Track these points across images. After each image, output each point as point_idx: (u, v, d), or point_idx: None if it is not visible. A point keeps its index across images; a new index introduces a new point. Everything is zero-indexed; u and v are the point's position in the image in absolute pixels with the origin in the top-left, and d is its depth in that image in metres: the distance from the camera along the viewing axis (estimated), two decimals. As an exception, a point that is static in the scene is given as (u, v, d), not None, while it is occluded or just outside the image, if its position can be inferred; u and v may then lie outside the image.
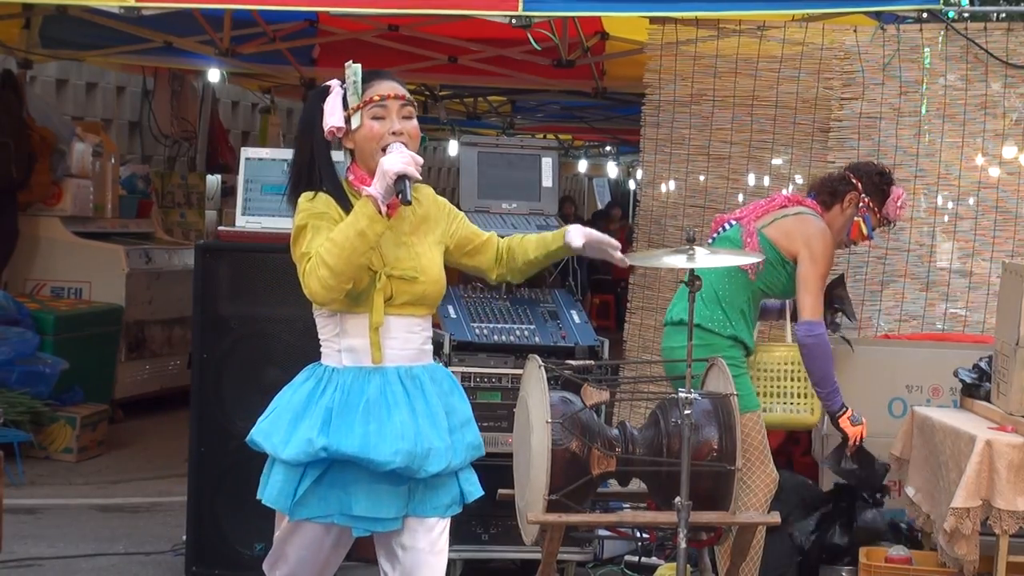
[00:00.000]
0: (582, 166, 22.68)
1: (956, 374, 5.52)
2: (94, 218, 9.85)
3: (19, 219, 9.40)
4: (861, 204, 5.46)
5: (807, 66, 6.73)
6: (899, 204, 5.54)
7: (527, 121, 14.50)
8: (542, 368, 4.62)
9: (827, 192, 5.49)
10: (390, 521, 3.70)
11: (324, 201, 3.68)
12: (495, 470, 5.65)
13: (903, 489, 5.57)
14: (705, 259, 4.40)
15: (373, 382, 3.69)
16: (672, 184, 7.02)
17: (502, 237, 4.03)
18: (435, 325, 6.03)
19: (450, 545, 5.74)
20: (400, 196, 3.59)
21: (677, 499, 4.35)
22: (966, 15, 10.46)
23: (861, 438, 5.27)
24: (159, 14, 7.84)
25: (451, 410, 3.80)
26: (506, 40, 8.34)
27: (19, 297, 8.92)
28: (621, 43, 8.25)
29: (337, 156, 3.80)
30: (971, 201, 6.42)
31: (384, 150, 3.66)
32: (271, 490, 3.70)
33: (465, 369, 5.82)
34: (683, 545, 4.35)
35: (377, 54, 9.10)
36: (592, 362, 5.33)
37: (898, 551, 5.45)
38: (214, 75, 10.58)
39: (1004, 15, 10.94)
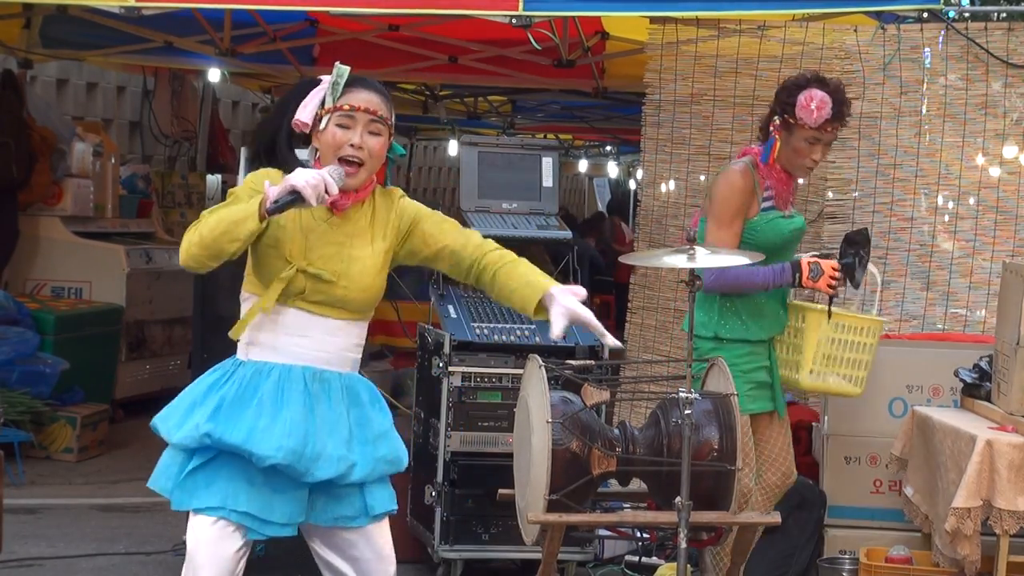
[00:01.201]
0: (582, 166, 22.67)
1: (956, 374, 5.52)
2: (94, 218, 9.85)
3: (19, 219, 9.40)
4: (773, 127, 5.13)
5: (807, 66, 6.71)
6: (812, 106, 5.03)
7: (527, 121, 14.49)
8: (542, 368, 4.62)
9: (761, 132, 5.25)
10: (282, 526, 3.65)
11: (273, 180, 3.62)
12: (495, 470, 5.67)
13: (902, 489, 5.57)
14: (705, 259, 4.40)
15: (271, 378, 3.66)
16: (673, 184, 7.02)
17: (491, 244, 3.86)
18: (435, 325, 6.08)
19: (451, 545, 5.80)
20: (275, 206, 3.51)
21: (677, 499, 4.35)
22: (966, 15, 10.46)
23: (833, 279, 5.01)
24: (159, 14, 7.85)
25: (363, 422, 3.72)
26: (506, 40, 8.33)
27: (19, 297, 8.92)
28: (621, 43, 8.24)
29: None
30: (971, 201, 6.42)
31: (340, 160, 3.64)
32: (155, 473, 3.69)
33: (465, 369, 5.83)
34: (683, 545, 4.35)
35: (377, 54, 9.10)
36: (592, 362, 5.33)
37: (898, 551, 5.46)
38: (214, 75, 10.58)
39: (1004, 15, 10.94)
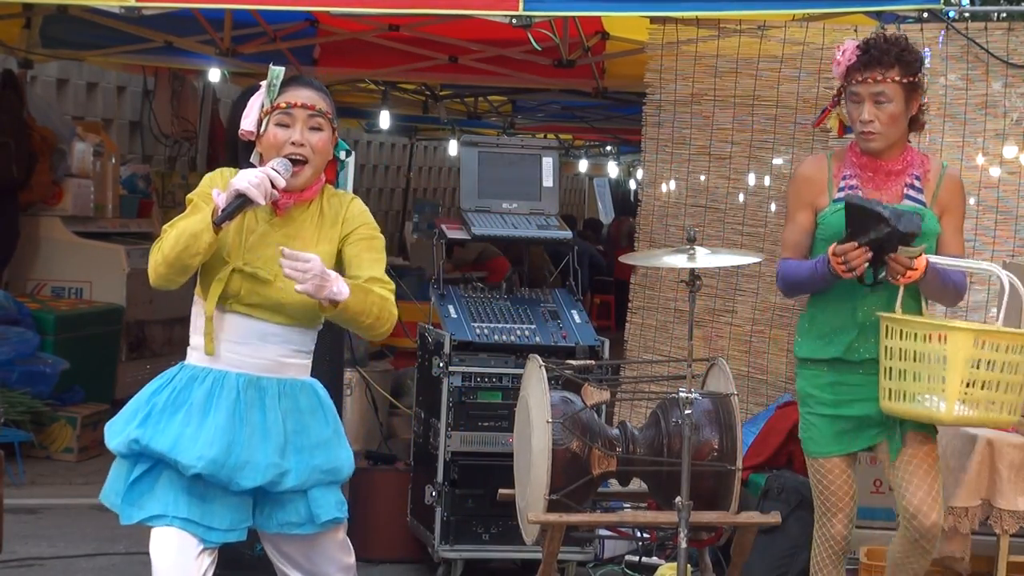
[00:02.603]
0: (583, 166, 22.70)
1: (957, 374, 5.49)
2: (95, 218, 9.86)
3: (20, 219, 9.40)
4: (834, 100, 4.63)
5: (808, 66, 6.72)
6: (838, 56, 4.47)
7: (527, 121, 14.50)
8: (543, 368, 4.63)
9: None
10: (225, 532, 3.64)
11: (224, 180, 3.61)
12: (495, 470, 5.68)
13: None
14: (705, 259, 4.40)
15: (204, 385, 3.64)
16: (673, 184, 7.01)
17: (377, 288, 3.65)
18: (435, 325, 6.08)
19: (451, 545, 5.80)
20: (224, 214, 3.50)
21: (678, 499, 4.35)
22: (967, 15, 10.47)
23: (839, 262, 4.28)
24: (159, 14, 7.85)
25: (300, 430, 3.68)
26: (506, 40, 8.34)
27: (20, 297, 8.92)
28: (621, 43, 8.24)
29: None
30: (971, 201, 6.41)
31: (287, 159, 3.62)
32: (104, 487, 3.67)
33: (465, 369, 5.83)
34: (684, 545, 4.35)
35: (377, 54, 9.11)
36: (592, 362, 5.33)
37: (899, 551, 5.45)
38: (214, 75, 10.58)
39: (1004, 15, 10.95)
